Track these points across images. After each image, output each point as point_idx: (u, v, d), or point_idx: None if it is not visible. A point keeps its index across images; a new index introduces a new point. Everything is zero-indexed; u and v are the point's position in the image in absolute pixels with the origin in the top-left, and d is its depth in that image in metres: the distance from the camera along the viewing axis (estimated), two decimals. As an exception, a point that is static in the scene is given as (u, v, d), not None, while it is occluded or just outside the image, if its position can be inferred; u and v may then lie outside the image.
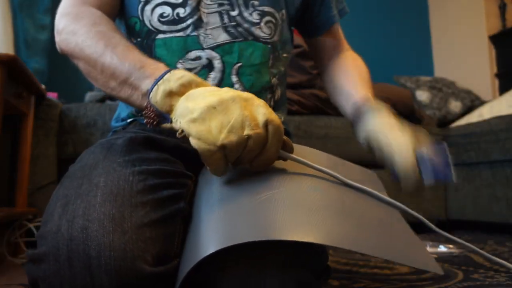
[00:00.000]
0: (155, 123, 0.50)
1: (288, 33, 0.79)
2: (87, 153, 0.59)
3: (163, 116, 0.49)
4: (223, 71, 0.68)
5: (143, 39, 0.70)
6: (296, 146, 0.54)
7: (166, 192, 0.52)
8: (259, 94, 0.71)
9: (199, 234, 0.46)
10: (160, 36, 0.68)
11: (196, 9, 0.69)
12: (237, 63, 0.69)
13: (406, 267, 1.10)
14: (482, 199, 1.84)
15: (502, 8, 2.74)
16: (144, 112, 0.51)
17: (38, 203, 1.34)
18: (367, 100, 0.71)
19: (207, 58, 0.68)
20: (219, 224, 0.46)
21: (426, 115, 2.19)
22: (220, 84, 0.68)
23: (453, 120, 2.36)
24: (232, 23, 0.70)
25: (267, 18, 0.72)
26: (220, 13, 0.70)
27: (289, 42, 0.81)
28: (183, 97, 0.48)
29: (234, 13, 0.70)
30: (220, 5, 0.70)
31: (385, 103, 0.71)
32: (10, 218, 1.10)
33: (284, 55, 0.79)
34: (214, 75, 0.68)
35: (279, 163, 0.52)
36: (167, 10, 0.68)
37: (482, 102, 2.44)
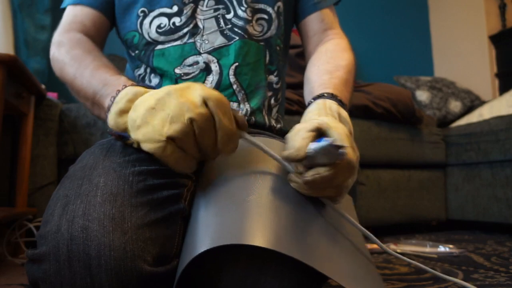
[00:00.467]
0: (120, 140, 0.53)
1: (288, 24, 0.79)
2: (87, 153, 0.59)
3: (123, 135, 0.51)
4: (220, 73, 0.69)
5: (140, 51, 0.71)
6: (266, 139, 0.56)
7: (166, 192, 0.53)
8: (256, 92, 0.72)
9: (196, 232, 0.47)
10: (159, 46, 0.70)
11: (192, 17, 0.70)
12: (234, 63, 0.70)
13: (406, 267, 1.10)
14: (482, 199, 1.84)
15: (502, 8, 2.74)
16: (108, 131, 0.53)
17: (38, 203, 1.34)
18: (320, 90, 0.63)
19: (204, 62, 0.69)
20: (213, 224, 0.46)
21: (426, 115, 2.19)
22: (219, 86, 0.69)
23: (453, 120, 2.36)
24: (228, 26, 0.70)
25: (258, 15, 0.72)
26: (216, 18, 0.70)
27: (289, 33, 0.80)
28: (130, 111, 0.49)
29: (229, 16, 0.71)
30: (216, 10, 0.71)
31: (340, 98, 0.61)
32: (10, 218, 1.10)
33: (286, 48, 0.79)
34: (212, 78, 0.69)
35: (265, 160, 0.53)
36: (164, 20, 0.69)
37: (482, 102, 2.44)
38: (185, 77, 0.69)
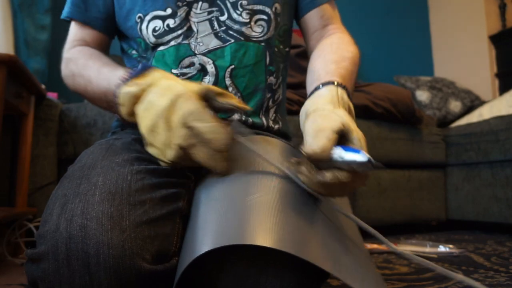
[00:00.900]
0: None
1: (288, 24, 0.78)
2: (86, 153, 0.59)
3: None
4: (216, 75, 0.69)
5: (147, 55, 0.73)
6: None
7: (164, 191, 0.53)
8: (254, 94, 0.72)
9: (197, 233, 0.47)
10: (160, 48, 0.70)
11: (186, 19, 0.70)
12: (230, 65, 0.69)
13: (406, 267, 1.10)
14: (482, 199, 1.84)
15: (502, 8, 2.74)
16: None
17: (38, 203, 1.34)
18: (328, 77, 0.61)
19: (200, 64, 0.69)
20: (213, 224, 0.46)
21: (426, 115, 2.19)
22: None
23: (453, 120, 2.36)
24: (222, 28, 0.70)
25: (257, 16, 0.72)
26: (210, 21, 0.70)
27: (289, 33, 0.80)
28: (137, 117, 0.54)
29: (223, 18, 0.71)
30: (210, 12, 0.70)
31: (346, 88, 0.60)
32: (10, 218, 1.10)
33: (286, 49, 0.79)
34: (208, 79, 0.69)
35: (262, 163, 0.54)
36: (158, 23, 0.69)
37: (482, 102, 2.44)
38: (182, 78, 0.69)
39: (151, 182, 0.52)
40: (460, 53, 2.88)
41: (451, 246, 1.36)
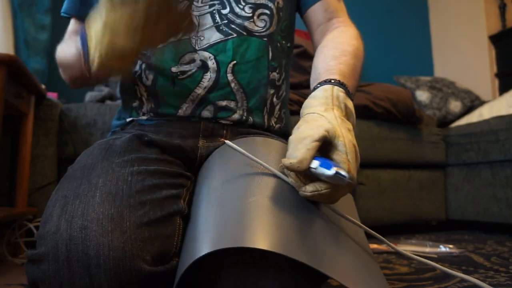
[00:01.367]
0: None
1: (290, 20, 0.78)
2: (85, 154, 0.59)
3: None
4: (218, 71, 0.68)
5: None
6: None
7: (165, 192, 0.53)
8: (257, 90, 0.71)
9: (197, 234, 0.47)
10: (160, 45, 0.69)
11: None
12: (232, 61, 0.68)
13: (406, 267, 1.10)
14: (482, 199, 1.84)
15: (502, 8, 2.74)
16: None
17: (38, 203, 1.34)
18: (327, 75, 0.61)
19: (201, 60, 0.68)
20: (213, 226, 0.46)
21: (426, 115, 2.19)
22: (216, 84, 0.68)
23: (453, 120, 2.36)
24: (224, 21, 0.69)
25: (260, 10, 0.71)
26: (211, 13, 0.69)
27: (291, 29, 0.79)
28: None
29: (225, 11, 0.70)
30: (211, 5, 0.69)
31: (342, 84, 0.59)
32: (10, 218, 1.10)
33: (288, 44, 0.78)
34: (209, 76, 0.67)
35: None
36: None
37: (482, 102, 2.44)
38: (182, 76, 0.68)
39: (151, 183, 0.52)
40: (460, 53, 2.88)
41: (451, 246, 1.35)
